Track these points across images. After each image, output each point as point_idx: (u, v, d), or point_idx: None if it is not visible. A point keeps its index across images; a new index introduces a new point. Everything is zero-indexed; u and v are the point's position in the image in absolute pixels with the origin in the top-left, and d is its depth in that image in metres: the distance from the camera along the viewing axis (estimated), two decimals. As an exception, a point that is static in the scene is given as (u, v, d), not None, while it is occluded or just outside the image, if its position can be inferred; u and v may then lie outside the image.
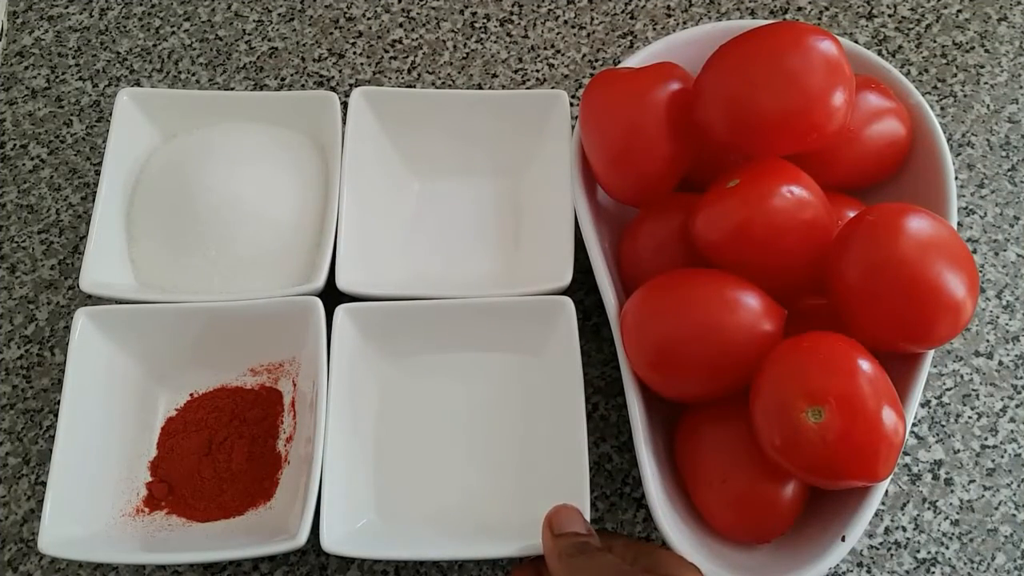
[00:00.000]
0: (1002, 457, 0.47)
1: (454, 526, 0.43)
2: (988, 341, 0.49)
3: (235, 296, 0.46)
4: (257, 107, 0.52)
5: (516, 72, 0.58)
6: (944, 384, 0.48)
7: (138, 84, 0.57)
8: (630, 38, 0.59)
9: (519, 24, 0.59)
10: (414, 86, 0.57)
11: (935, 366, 0.49)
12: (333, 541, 0.40)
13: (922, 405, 0.48)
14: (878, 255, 0.37)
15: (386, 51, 0.59)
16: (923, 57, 0.58)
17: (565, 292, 0.46)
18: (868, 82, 0.45)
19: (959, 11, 0.60)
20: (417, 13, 0.60)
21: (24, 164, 0.55)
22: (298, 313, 0.45)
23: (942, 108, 0.56)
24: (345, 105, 0.51)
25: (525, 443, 0.45)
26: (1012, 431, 0.47)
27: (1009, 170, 0.54)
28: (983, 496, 0.46)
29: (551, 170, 0.49)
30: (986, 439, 0.47)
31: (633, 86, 0.43)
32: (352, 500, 0.43)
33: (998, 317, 0.50)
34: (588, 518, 0.40)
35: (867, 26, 0.59)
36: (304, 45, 0.59)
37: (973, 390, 0.48)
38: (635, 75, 0.43)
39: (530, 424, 0.46)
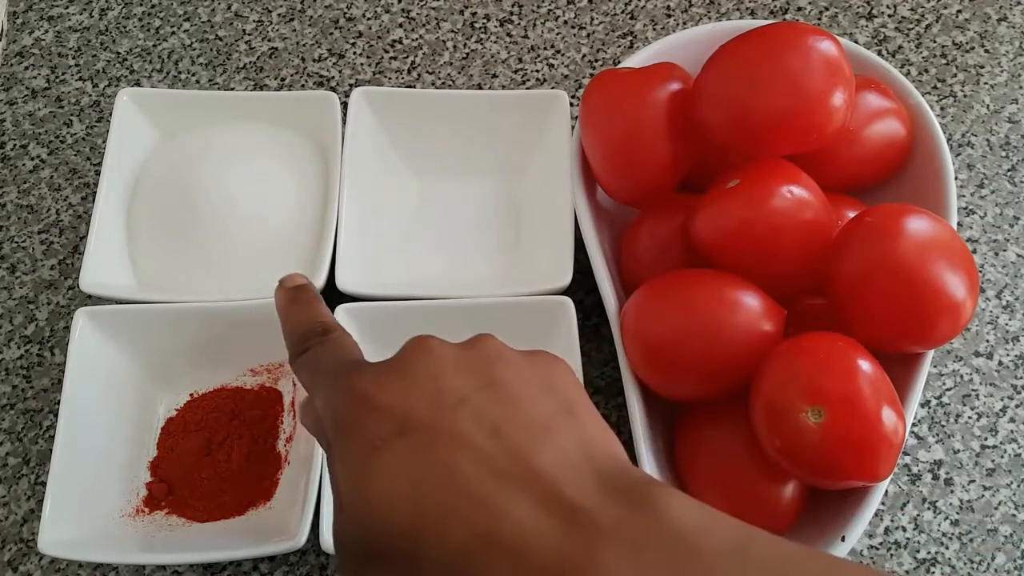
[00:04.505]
0: (1002, 457, 0.47)
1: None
2: (988, 341, 0.49)
3: (235, 296, 0.46)
4: (257, 107, 0.52)
5: (516, 72, 0.58)
6: (944, 384, 0.48)
7: (138, 84, 0.57)
8: (630, 38, 0.59)
9: (519, 24, 0.59)
10: (414, 86, 0.57)
11: (935, 366, 0.49)
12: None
13: (922, 405, 0.48)
14: (878, 255, 0.37)
15: (386, 51, 0.59)
16: (923, 57, 0.58)
17: (565, 292, 0.46)
18: (868, 82, 0.45)
19: (959, 11, 0.60)
20: (417, 13, 0.60)
21: (24, 164, 0.55)
22: (298, 313, 0.45)
23: (942, 108, 0.56)
24: (345, 105, 0.51)
25: (525, 443, 0.45)
26: (1012, 431, 0.47)
27: (1009, 170, 0.54)
28: (983, 496, 0.46)
29: (551, 170, 0.49)
30: (986, 439, 0.47)
31: (633, 86, 0.43)
32: (352, 500, 0.43)
33: (998, 317, 0.50)
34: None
35: (867, 26, 0.59)
36: (304, 45, 0.59)
37: (973, 390, 0.48)
38: (635, 75, 0.43)
39: (530, 424, 0.45)
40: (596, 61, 0.58)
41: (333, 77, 0.58)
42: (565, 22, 0.59)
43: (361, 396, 0.25)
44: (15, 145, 0.56)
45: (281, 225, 0.48)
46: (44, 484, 0.43)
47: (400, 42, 0.59)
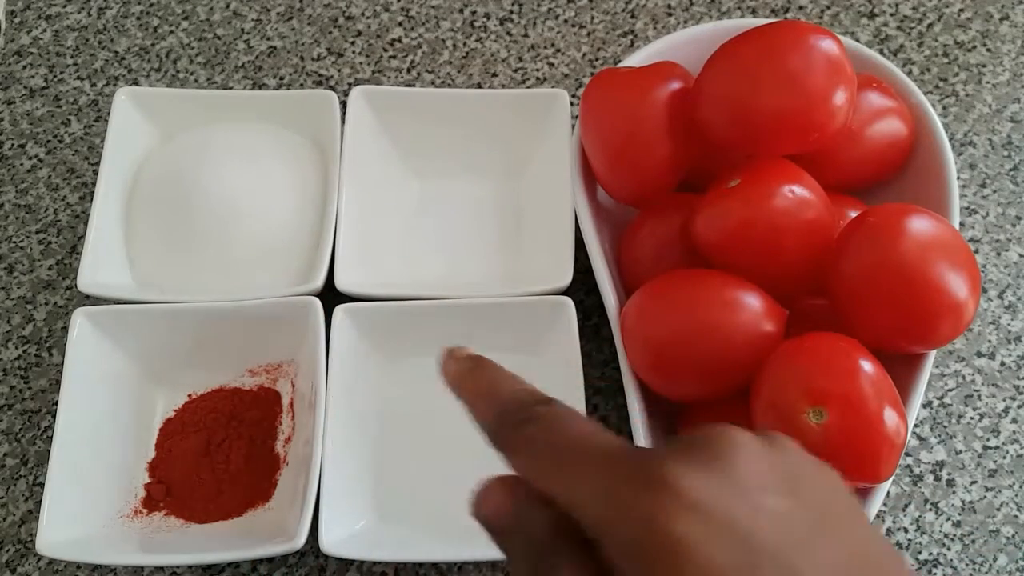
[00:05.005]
0: (1004, 458, 0.46)
1: (453, 527, 0.43)
2: (990, 341, 0.49)
3: (233, 296, 0.46)
4: (256, 106, 0.52)
5: (516, 71, 0.57)
6: (946, 385, 0.48)
7: (136, 83, 0.57)
8: (631, 37, 0.59)
9: (519, 23, 0.59)
10: (413, 85, 0.57)
11: (937, 367, 0.49)
12: (332, 543, 0.40)
13: (924, 406, 0.48)
14: (880, 255, 0.37)
15: (385, 50, 0.58)
16: (925, 56, 0.58)
17: (565, 292, 0.45)
18: (869, 81, 0.45)
19: (961, 10, 0.59)
20: (416, 12, 0.60)
21: (22, 164, 0.55)
22: (297, 313, 0.45)
23: (944, 107, 0.56)
24: (344, 104, 0.51)
25: (525, 444, 0.45)
26: (1014, 432, 0.47)
27: (1011, 170, 0.54)
28: (985, 497, 0.46)
29: (551, 170, 0.49)
30: (988, 440, 0.47)
31: (633, 86, 0.43)
32: (351, 501, 0.43)
33: (1000, 317, 0.50)
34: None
35: (869, 25, 0.59)
36: (303, 44, 0.59)
37: (975, 391, 0.48)
38: (635, 74, 0.43)
39: (530, 425, 0.45)
40: (596, 60, 0.58)
41: (332, 76, 0.57)
42: (565, 21, 0.59)
43: (684, 500, 0.20)
44: (13, 144, 0.55)
45: (280, 225, 0.48)
46: (42, 485, 0.43)
47: (399, 41, 0.59)
